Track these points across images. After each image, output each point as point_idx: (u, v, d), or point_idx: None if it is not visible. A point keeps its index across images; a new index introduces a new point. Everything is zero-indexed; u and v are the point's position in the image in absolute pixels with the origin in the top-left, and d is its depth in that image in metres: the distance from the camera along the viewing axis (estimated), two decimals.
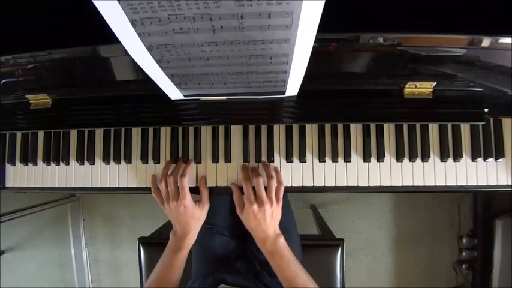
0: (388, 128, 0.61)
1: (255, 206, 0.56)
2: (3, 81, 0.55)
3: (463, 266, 1.27)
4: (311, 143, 0.61)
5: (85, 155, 0.65)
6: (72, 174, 0.66)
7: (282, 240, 0.58)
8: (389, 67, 0.49)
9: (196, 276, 0.69)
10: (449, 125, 0.60)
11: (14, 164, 0.68)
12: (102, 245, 1.58)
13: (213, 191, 0.63)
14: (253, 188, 0.57)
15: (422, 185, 0.60)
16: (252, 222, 0.57)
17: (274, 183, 0.57)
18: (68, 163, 0.66)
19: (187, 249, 0.61)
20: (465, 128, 0.60)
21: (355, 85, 0.55)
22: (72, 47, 0.47)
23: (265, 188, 0.57)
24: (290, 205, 0.81)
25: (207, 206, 0.62)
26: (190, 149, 0.63)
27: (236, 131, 0.63)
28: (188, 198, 0.58)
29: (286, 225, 0.74)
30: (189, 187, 0.59)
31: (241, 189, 0.60)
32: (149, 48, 0.37)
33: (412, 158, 0.60)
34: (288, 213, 0.78)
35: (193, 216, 0.59)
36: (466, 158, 0.60)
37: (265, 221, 0.56)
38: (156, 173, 0.63)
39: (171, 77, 0.45)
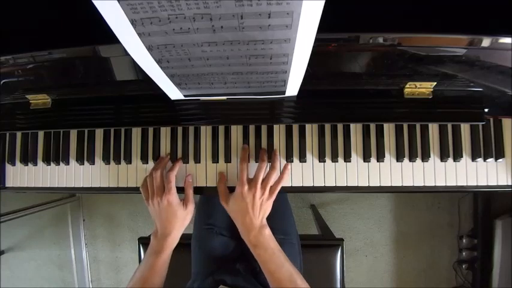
0: (388, 128, 0.61)
1: (246, 187, 0.55)
2: (3, 81, 0.55)
3: (463, 266, 1.27)
4: (311, 143, 0.62)
5: (85, 155, 0.65)
6: (72, 174, 0.66)
7: (267, 231, 0.56)
8: (389, 67, 0.49)
9: (196, 276, 0.69)
10: (449, 125, 0.60)
11: (14, 164, 0.68)
12: (102, 245, 1.58)
13: (210, 191, 0.63)
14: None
15: (422, 185, 0.60)
16: (238, 205, 0.55)
17: (275, 174, 0.57)
18: (68, 163, 0.66)
19: (169, 252, 0.58)
20: (465, 128, 0.60)
21: (355, 85, 0.55)
22: (72, 47, 0.47)
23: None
24: (290, 205, 0.81)
25: (191, 206, 0.59)
26: (190, 149, 0.63)
27: (236, 131, 0.63)
28: (173, 193, 0.56)
29: (285, 225, 0.74)
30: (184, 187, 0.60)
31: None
32: (149, 48, 0.37)
33: (412, 158, 0.60)
34: (288, 213, 0.78)
35: (175, 215, 0.57)
36: (466, 158, 0.60)
37: (253, 206, 0.54)
38: None
39: (171, 77, 0.45)
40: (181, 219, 0.58)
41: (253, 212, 0.55)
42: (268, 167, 0.59)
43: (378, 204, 1.42)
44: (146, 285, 0.55)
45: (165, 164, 0.60)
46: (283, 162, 0.61)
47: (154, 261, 0.56)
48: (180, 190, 0.61)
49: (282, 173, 0.58)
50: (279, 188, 0.57)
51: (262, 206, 0.56)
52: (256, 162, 0.61)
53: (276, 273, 0.53)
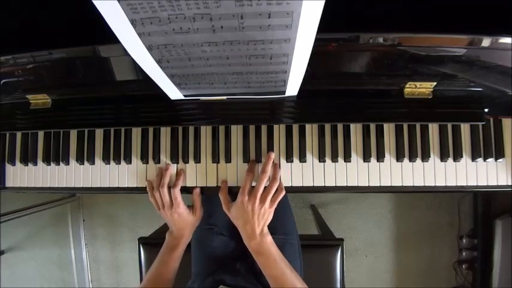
0: (388, 128, 0.61)
1: (246, 198, 0.56)
2: (3, 81, 0.55)
3: (463, 266, 1.27)
4: (311, 143, 0.61)
5: (85, 155, 0.65)
6: (72, 174, 0.66)
7: (268, 239, 0.58)
8: (389, 67, 0.49)
9: (196, 276, 0.69)
10: (449, 125, 0.60)
11: (14, 164, 0.68)
12: (102, 245, 1.58)
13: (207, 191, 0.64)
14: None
15: (422, 185, 0.60)
16: (239, 214, 0.57)
17: (275, 185, 0.57)
18: (68, 163, 0.66)
19: (183, 248, 0.64)
20: (465, 128, 0.60)
21: (355, 85, 0.55)
22: (72, 47, 0.47)
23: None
24: (290, 205, 0.81)
25: (199, 213, 0.64)
26: (190, 149, 0.63)
27: (236, 131, 0.63)
28: (182, 207, 0.61)
29: (286, 225, 0.74)
30: (186, 187, 0.62)
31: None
32: (149, 48, 0.37)
33: (412, 158, 0.60)
34: (288, 214, 0.78)
35: (186, 222, 0.63)
36: (466, 158, 0.60)
37: (253, 216, 0.56)
38: (156, 172, 0.63)
39: (171, 77, 0.45)
40: (192, 223, 0.64)
41: (254, 220, 0.56)
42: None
43: (378, 204, 1.42)
44: (159, 279, 0.61)
45: (169, 178, 0.62)
46: (283, 162, 0.61)
47: (169, 257, 0.62)
48: (184, 190, 0.62)
49: (281, 185, 0.58)
50: (279, 198, 0.58)
51: (264, 215, 0.57)
52: (256, 162, 0.61)
53: (277, 279, 0.55)
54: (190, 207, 0.64)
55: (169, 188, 0.60)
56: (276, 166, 0.60)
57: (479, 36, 0.42)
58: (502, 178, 0.59)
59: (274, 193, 0.57)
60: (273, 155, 0.60)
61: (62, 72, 0.53)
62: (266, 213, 0.57)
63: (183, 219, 0.62)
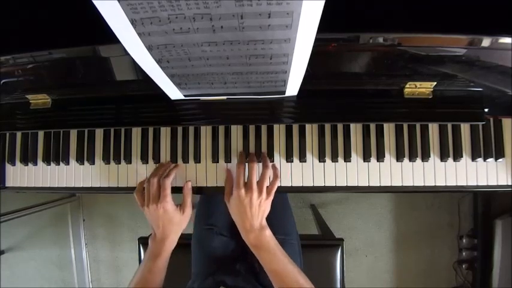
0: (388, 128, 0.61)
1: (242, 191, 0.55)
2: (3, 81, 0.55)
3: (463, 266, 1.27)
4: (311, 143, 0.61)
5: (85, 155, 0.65)
6: (72, 174, 0.66)
7: (267, 232, 0.56)
8: (389, 67, 0.49)
9: (196, 276, 0.69)
10: (449, 125, 0.60)
11: (14, 164, 0.68)
12: (102, 245, 1.58)
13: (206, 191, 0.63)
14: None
15: (422, 185, 0.60)
16: (237, 208, 0.56)
17: (269, 173, 0.57)
18: (68, 163, 0.66)
19: (167, 254, 0.59)
20: (465, 128, 0.60)
21: (355, 85, 0.55)
22: (72, 47, 0.47)
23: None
24: (290, 205, 0.81)
25: (188, 211, 0.60)
26: (190, 149, 0.63)
27: (236, 131, 0.63)
28: (168, 201, 0.56)
29: (286, 225, 0.74)
30: (181, 187, 0.60)
31: None
32: (149, 48, 0.37)
33: (412, 158, 0.60)
34: (288, 214, 0.78)
35: (171, 221, 0.57)
36: (466, 158, 0.60)
37: (251, 209, 0.55)
38: None
39: (171, 77, 0.45)
40: (178, 224, 0.59)
41: (252, 214, 0.55)
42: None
43: (378, 204, 1.42)
44: (146, 286, 0.56)
45: (163, 171, 0.60)
46: (283, 162, 0.61)
47: (153, 264, 0.57)
48: (178, 190, 0.61)
49: (275, 172, 0.58)
50: (275, 187, 0.57)
51: (261, 207, 0.56)
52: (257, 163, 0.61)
53: (279, 274, 0.54)
54: (180, 206, 0.60)
55: (159, 184, 0.57)
56: (264, 154, 0.60)
57: (479, 36, 0.42)
58: (502, 178, 0.59)
59: (271, 184, 0.57)
60: (251, 154, 0.61)
61: (62, 72, 0.53)
62: (263, 205, 0.56)
63: (168, 216, 0.56)
